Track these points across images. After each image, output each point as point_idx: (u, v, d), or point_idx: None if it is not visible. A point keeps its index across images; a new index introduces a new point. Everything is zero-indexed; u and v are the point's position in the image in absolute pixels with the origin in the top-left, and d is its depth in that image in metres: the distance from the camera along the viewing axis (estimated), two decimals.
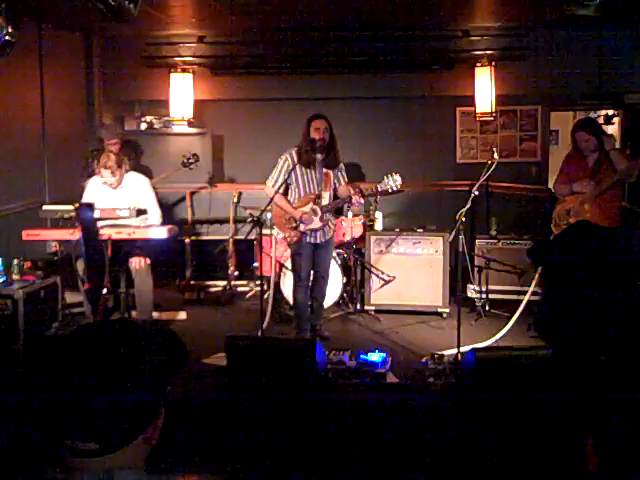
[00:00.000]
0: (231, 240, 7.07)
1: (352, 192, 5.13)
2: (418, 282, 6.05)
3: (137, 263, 5.19)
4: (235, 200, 7.22)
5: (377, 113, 7.55)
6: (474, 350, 4.07)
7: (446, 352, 4.75)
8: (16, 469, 1.27)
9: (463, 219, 4.68)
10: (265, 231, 5.24)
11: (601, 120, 6.70)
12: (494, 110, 7.15)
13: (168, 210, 7.18)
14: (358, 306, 6.20)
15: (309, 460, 3.54)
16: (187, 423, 3.77)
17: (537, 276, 5.57)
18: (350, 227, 6.14)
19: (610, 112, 6.60)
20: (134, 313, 5.39)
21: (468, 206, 4.72)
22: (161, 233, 5.03)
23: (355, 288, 6.25)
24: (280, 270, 6.08)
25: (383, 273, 6.08)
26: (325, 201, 5.16)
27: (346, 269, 6.20)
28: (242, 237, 6.42)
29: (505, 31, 7.05)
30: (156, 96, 7.44)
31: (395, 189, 5.14)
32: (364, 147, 7.44)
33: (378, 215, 6.42)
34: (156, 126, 7.46)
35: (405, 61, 7.28)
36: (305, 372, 4.05)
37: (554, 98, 7.47)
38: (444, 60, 7.25)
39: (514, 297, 5.88)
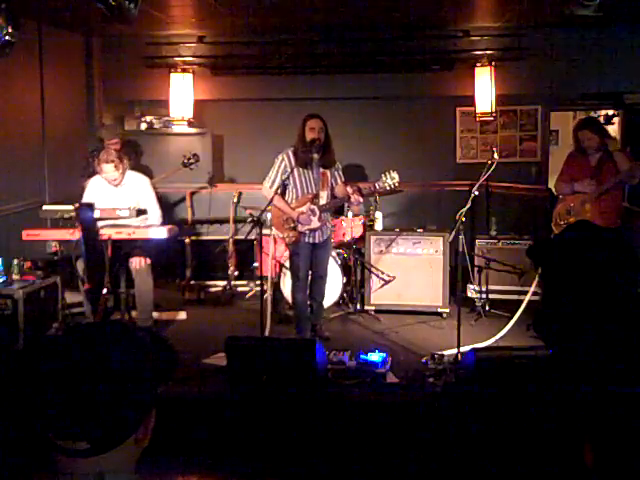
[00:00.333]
0: (231, 240, 7.07)
1: (350, 191, 5.13)
2: (418, 282, 6.05)
3: (137, 263, 5.19)
4: (235, 200, 7.22)
5: (377, 113, 7.55)
6: (474, 350, 4.07)
7: (446, 352, 4.75)
8: (5, 471, 1.27)
9: (463, 219, 4.68)
10: (265, 231, 5.24)
11: (601, 120, 6.72)
12: (494, 110, 7.15)
13: (168, 210, 7.17)
14: (358, 306, 6.20)
15: (309, 460, 3.54)
16: (187, 423, 3.78)
17: (537, 276, 5.57)
18: (350, 227, 6.14)
19: (610, 112, 6.61)
20: (134, 313, 5.40)
21: (468, 206, 4.73)
22: (161, 233, 5.03)
23: (355, 288, 6.24)
24: (280, 270, 6.08)
25: (383, 273, 6.08)
26: (323, 201, 5.16)
27: (346, 269, 6.20)
28: (242, 237, 6.42)
29: (505, 31, 7.05)
30: (156, 96, 7.43)
31: (393, 187, 5.12)
32: (364, 147, 7.44)
33: (378, 215, 6.42)
34: (156, 126, 7.46)
35: (405, 61, 7.28)
36: (305, 372, 4.05)
37: (554, 98, 7.47)
38: (444, 60, 7.24)
39: (514, 297, 5.88)
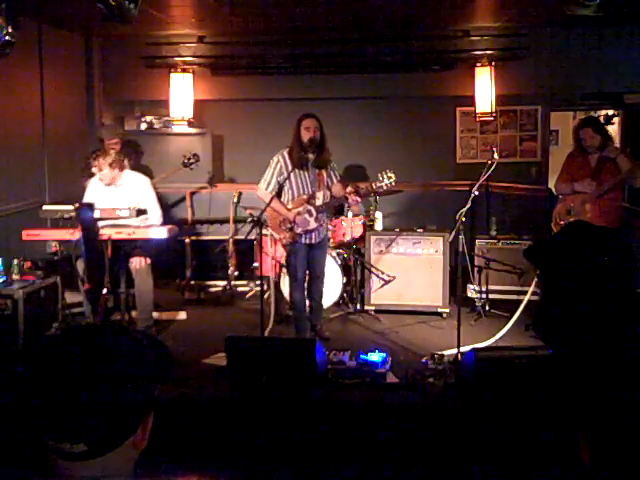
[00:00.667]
0: (231, 240, 7.07)
1: (347, 192, 5.14)
2: (418, 282, 6.05)
3: (137, 263, 5.19)
4: (235, 200, 7.22)
5: (377, 113, 7.55)
6: (474, 350, 4.07)
7: (446, 352, 4.75)
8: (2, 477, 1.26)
9: (463, 219, 4.68)
10: (265, 231, 5.24)
11: (601, 120, 6.71)
12: (494, 110, 7.15)
13: (168, 210, 7.18)
14: (358, 306, 6.20)
15: (309, 460, 3.54)
16: (186, 423, 3.77)
17: (537, 276, 5.57)
18: (350, 227, 6.14)
19: (610, 112, 6.61)
20: (134, 313, 5.40)
21: (468, 206, 4.72)
22: (161, 233, 5.03)
23: (355, 288, 6.25)
24: (280, 270, 6.08)
25: (383, 273, 6.08)
26: (319, 201, 5.16)
27: (346, 269, 6.20)
28: (242, 237, 6.42)
29: (505, 31, 7.05)
30: (156, 96, 7.44)
31: (390, 186, 5.13)
32: (364, 147, 7.44)
33: (378, 215, 6.43)
34: (156, 126, 7.46)
35: (405, 61, 7.28)
36: (305, 372, 4.05)
37: (554, 98, 7.47)
38: (444, 60, 7.25)
39: (514, 297, 5.88)
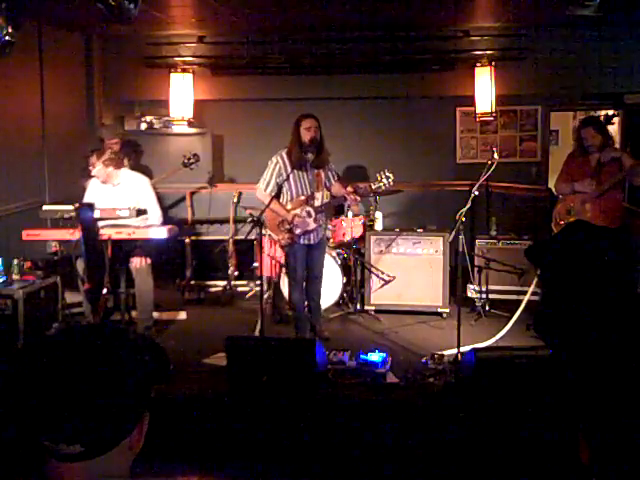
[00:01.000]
0: (231, 240, 7.07)
1: (346, 192, 5.13)
2: (418, 282, 6.05)
3: (137, 263, 5.19)
4: (235, 200, 7.22)
5: (377, 113, 7.55)
6: (474, 350, 4.07)
7: (446, 352, 4.75)
8: None
9: (463, 219, 4.68)
10: (265, 231, 5.24)
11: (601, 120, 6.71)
12: (494, 110, 7.15)
13: (168, 210, 7.19)
14: (358, 306, 6.20)
15: (309, 460, 3.54)
16: (186, 423, 3.78)
17: (537, 276, 5.57)
18: (350, 227, 6.14)
19: (610, 112, 6.61)
20: (134, 313, 5.40)
21: (468, 206, 4.73)
22: (161, 233, 5.03)
23: (355, 288, 6.25)
24: (280, 270, 6.08)
25: (383, 273, 6.08)
26: (318, 202, 5.15)
27: (346, 269, 6.20)
28: (242, 237, 6.42)
29: (505, 31, 7.05)
30: (156, 96, 7.44)
31: (388, 185, 5.13)
32: (364, 147, 7.45)
33: (378, 215, 6.43)
34: (156, 126, 7.46)
35: (405, 61, 7.28)
36: (305, 372, 4.05)
37: (554, 98, 7.47)
38: (444, 60, 7.25)
39: (514, 297, 5.89)
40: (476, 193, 4.84)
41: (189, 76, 7.29)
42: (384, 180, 5.09)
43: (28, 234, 4.93)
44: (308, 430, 3.73)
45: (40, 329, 4.96)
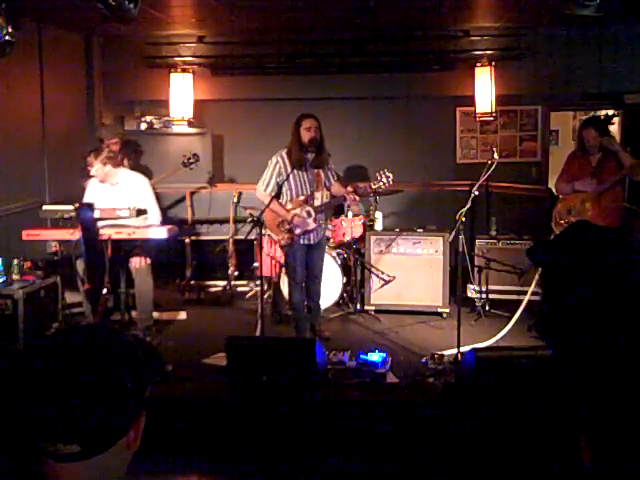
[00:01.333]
0: (231, 240, 7.07)
1: (346, 191, 5.14)
2: (418, 282, 6.05)
3: (137, 263, 5.19)
4: (235, 200, 7.22)
5: (377, 113, 7.55)
6: (474, 350, 4.07)
7: (446, 352, 4.75)
8: None
9: (463, 219, 4.68)
10: (265, 231, 5.23)
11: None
12: (494, 110, 7.15)
13: (168, 210, 7.19)
14: (358, 306, 6.20)
15: (309, 460, 3.54)
16: (186, 423, 3.78)
17: (537, 276, 5.57)
18: (350, 227, 6.14)
19: (610, 112, 6.61)
20: (134, 313, 5.40)
21: (468, 206, 4.73)
22: (161, 233, 5.03)
23: (355, 288, 6.24)
24: (280, 270, 6.08)
25: (383, 273, 6.08)
26: (318, 202, 5.15)
27: (346, 269, 6.20)
28: (242, 237, 6.42)
29: (505, 31, 7.05)
30: (156, 96, 7.44)
31: (388, 185, 5.13)
32: (364, 147, 7.44)
33: (378, 215, 6.43)
34: (156, 126, 7.45)
35: (405, 61, 7.28)
36: (305, 372, 4.05)
37: (554, 98, 7.48)
38: (444, 60, 7.24)
39: (514, 297, 5.88)
40: (476, 193, 4.84)
41: (189, 76, 7.29)
42: (384, 179, 5.09)
43: (28, 234, 4.93)
44: (308, 430, 3.73)
45: (40, 329, 4.96)
